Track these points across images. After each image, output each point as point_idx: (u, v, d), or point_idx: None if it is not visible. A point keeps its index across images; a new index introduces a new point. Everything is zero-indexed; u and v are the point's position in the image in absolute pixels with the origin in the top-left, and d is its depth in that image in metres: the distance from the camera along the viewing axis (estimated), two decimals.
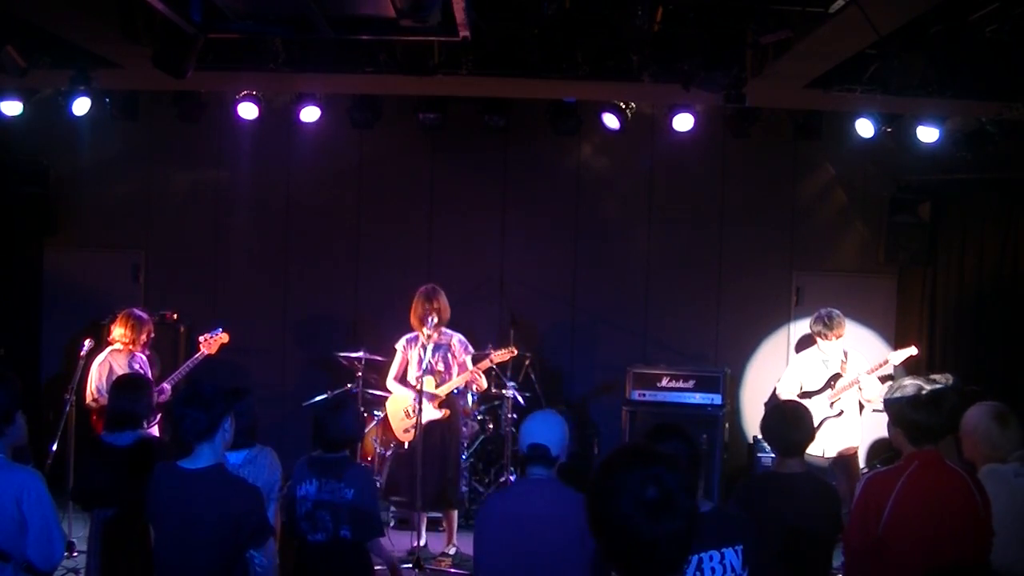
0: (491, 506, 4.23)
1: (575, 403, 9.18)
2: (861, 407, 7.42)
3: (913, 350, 7.38)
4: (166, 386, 7.16)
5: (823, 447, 7.16)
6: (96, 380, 6.98)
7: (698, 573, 3.29)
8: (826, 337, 7.34)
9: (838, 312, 7.40)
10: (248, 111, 8.41)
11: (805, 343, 8.23)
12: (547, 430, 4.02)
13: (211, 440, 3.82)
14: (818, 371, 7.39)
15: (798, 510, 4.20)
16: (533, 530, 3.82)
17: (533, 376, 8.33)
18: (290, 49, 6.79)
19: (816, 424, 7.14)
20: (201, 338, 7.40)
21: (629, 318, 9.37)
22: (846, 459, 7.26)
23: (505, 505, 4.06)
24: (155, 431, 6.93)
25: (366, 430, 7.77)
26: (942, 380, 3.91)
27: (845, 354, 7.32)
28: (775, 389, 7.71)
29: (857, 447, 7.43)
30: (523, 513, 3.89)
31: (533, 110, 8.64)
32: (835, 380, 7.30)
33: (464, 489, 7.64)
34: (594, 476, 2.21)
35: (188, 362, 7.33)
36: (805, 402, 7.19)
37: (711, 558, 3.30)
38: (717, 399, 8.33)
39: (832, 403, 7.27)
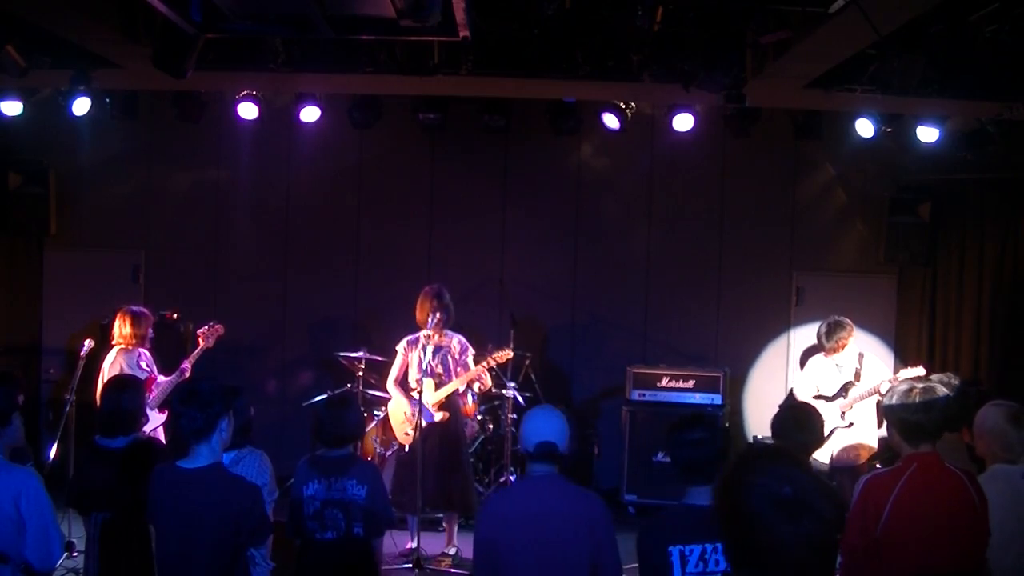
0: (494, 507, 4.15)
1: (575, 403, 9.18)
2: (881, 420, 6.98)
3: (921, 370, 7.00)
4: (186, 364, 7.11)
5: (831, 454, 7.09)
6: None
7: (701, 564, 3.38)
8: (825, 352, 7.24)
9: (841, 323, 7.21)
10: (248, 111, 8.40)
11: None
12: (552, 426, 3.99)
13: (208, 440, 3.81)
14: (831, 376, 7.25)
15: None
16: (542, 528, 3.81)
17: (533, 376, 8.33)
18: (290, 49, 6.79)
19: (827, 432, 7.15)
20: (199, 331, 7.38)
21: (629, 318, 9.37)
22: (852, 469, 6.93)
23: (511, 506, 4.02)
24: (160, 433, 6.96)
25: (366, 429, 7.76)
26: (941, 381, 3.92)
27: (860, 360, 7.18)
28: (791, 389, 7.62)
29: (865, 458, 7.09)
30: (530, 512, 3.86)
31: (533, 110, 8.64)
32: (847, 389, 7.14)
33: (476, 495, 7.58)
34: (728, 471, 2.19)
35: (192, 354, 7.29)
36: (820, 405, 7.19)
37: (715, 549, 3.38)
38: (717, 399, 8.34)
39: (843, 413, 7.11)
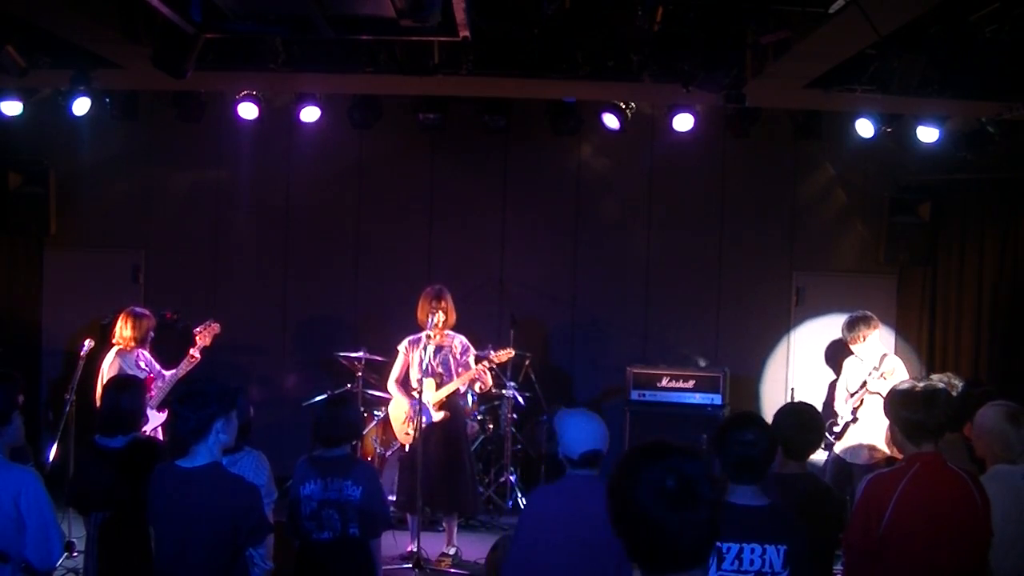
0: (535, 505, 4.22)
1: (575, 403, 9.16)
2: None
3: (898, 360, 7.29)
4: (194, 352, 7.08)
5: (847, 451, 7.10)
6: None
7: (736, 562, 3.38)
8: (847, 343, 7.28)
9: (865, 318, 7.23)
10: (248, 111, 8.40)
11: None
12: (598, 433, 4.11)
13: (204, 440, 3.81)
14: (856, 373, 7.26)
15: (798, 511, 4.19)
16: (579, 528, 3.88)
17: (533, 376, 8.33)
18: (290, 49, 6.79)
19: (841, 427, 7.20)
20: (196, 330, 7.36)
21: (629, 318, 9.37)
22: (870, 468, 6.63)
23: (551, 505, 4.09)
24: (160, 433, 6.95)
25: (366, 430, 7.76)
26: (941, 380, 3.93)
27: (881, 360, 7.13)
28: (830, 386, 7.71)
29: (881, 459, 6.88)
30: (568, 512, 3.95)
31: (533, 110, 8.63)
32: (865, 384, 7.11)
33: (479, 495, 7.57)
34: (613, 473, 2.19)
35: (190, 352, 7.26)
36: (845, 403, 7.22)
37: (752, 551, 3.39)
38: (717, 399, 8.33)
39: (854, 408, 7.10)
